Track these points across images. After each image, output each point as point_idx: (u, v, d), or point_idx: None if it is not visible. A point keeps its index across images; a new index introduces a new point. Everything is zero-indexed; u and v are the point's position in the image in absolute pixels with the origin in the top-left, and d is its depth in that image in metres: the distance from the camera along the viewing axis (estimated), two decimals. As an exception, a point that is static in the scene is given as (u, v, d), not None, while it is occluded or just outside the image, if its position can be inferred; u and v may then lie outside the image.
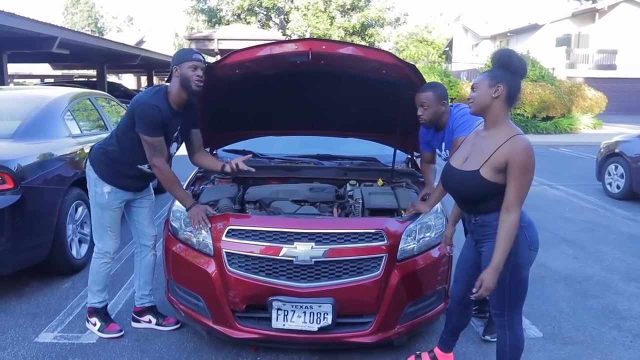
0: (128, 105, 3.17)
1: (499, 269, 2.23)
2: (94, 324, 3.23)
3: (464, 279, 2.64)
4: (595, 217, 6.53)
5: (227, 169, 3.14)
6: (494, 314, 2.48)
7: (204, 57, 2.98)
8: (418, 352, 2.99)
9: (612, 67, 28.75)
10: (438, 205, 3.10)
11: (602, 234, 5.76)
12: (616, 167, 7.65)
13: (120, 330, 3.24)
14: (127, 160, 3.06)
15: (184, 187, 3.32)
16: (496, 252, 2.23)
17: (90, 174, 3.14)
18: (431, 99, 2.99)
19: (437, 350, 2.90)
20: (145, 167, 3.06)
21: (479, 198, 2.35)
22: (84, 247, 4.36)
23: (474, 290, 2.26)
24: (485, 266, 2.40)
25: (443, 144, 3.14)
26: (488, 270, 2.24)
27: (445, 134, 3.10)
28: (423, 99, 3.00)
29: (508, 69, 2.27)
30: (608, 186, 7.82)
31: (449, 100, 3.16)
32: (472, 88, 2.35)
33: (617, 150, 7.68)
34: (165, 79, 3.06)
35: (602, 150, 8.09)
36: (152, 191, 3.39)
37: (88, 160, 3.19)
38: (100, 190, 3.09)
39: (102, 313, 3.26)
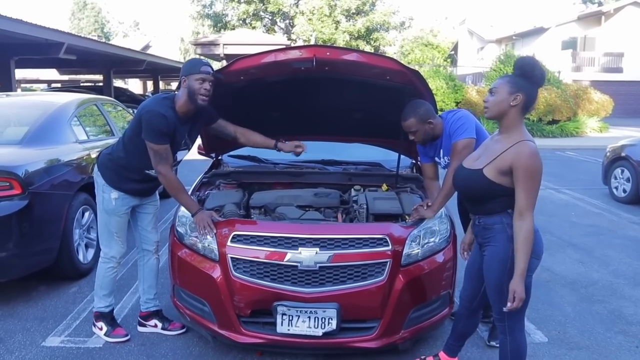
0: (134, 110, 3.19)
1: (524, 275, 2.25)
2: (101, 329, 3.25)
3: (472, 283, 2.65)
4: (601, 222, 6.51)
5: (281, 147, 3.29)
6: (495, 318, 2.49)
7: (213, 69, 2.99)
8: (423, 357, 3.00)
9: (619, 70, 28.64)
10: (442, 210, 3.11)
11: (608, 239, 5.74)
12: (622, 171, 7.62)
13: (127, 335, 3.26)
14: (135, 167, 3.09)
15: (190, 192, 3.35)
16: (517, 259, 2.25)
17: (99, 180, 3.17)
18: (414, 124, 2.99)
19: (442, 355, 2.90)
20: (152, 172, 3.09)
21: (481, 197, 2.39)
22: (91, 252, 4.39)
23: (509, 303, 2.27)
24: (486, 270, 2.42)
25: (441, 151, 3.15)
26: (515, 280, 2.25)
27: (442, 140, 3.10)
28: (407, 126, 3.02)
29: (529, 79, 2.29)
30: (614, 190, 7.79)
31: (455, 105, 3.16)
32: (490, 92, 2.37)
33: (623, 154, 7.65)
34: (172, 84, 3.07)
35: (608, 153, 8.06)
36: (158, 197, 3.42)
37: (96, 166, 3.22)
38: (107, 196, 3.12)
39: (108, 317, 3.28)
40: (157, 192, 3.39)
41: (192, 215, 2.97)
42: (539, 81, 2.30)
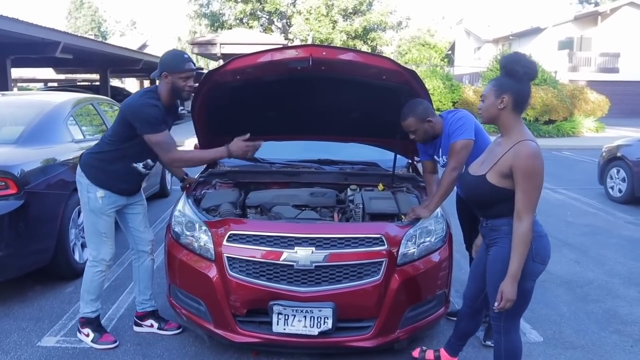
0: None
1: (517, 277, 2.24)
2: (87, 335, 3.17)
3: (475, 283, 2.65)
4: (596, 221, 6.53)
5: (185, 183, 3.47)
6: (492, 317, 2.50)
7: (194, 63, 2.99)
8: (424, 348, 3.02)
9: (615, 70, 28.71)
10: (438, 210, 3.11)
11: (603, 238, 5.76)
12: (618, 171, 7.65)
13: (115, 341, 3.19)
14: (121, 164, 3.05)
15: (186, 192, 3.36)
16: (512, 261, 2.25)
17: (82, 180, 3.10)
18: (413, 124, 3.01)
19: (442, 352, 2.91)
20: (139, 166, 3.07)
21: (487, 202, 2.38)
22: (87, 252, 4.36)
23: (496, 303, 2.28)
24: (488, 269, 2.43)
25: (440, 150, 3.16)
26: (506, 281, 2.25)
27: (441, 140, 3.12)
28: (407, 126, 3.04)
29: (513, 77, 2.28)
30: (610, 190, 7.82)
31: (452, 105, 3.17)
32: (481, 98, 2.40)
33: (619, 154, 7.68)
34: (152, 74, 3.02)
35: (604, 154, 8.09)
36: (144, 196, 3.40)
37: (78, 167, 3.16)
38: (93, 195, 3.06)
39: (95, 323, 3.21)
40: (142, 191, 3.37)
41: (229, 155, 2.93)
42: (524, 76, 2.27)
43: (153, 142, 2.88)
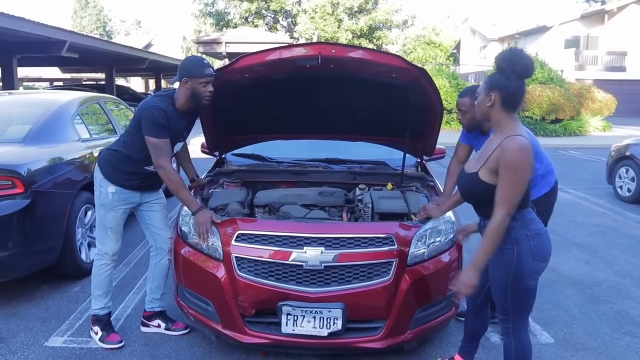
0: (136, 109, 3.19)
1: (479, 267, 2.24)
2: (96, 333, 3.19)
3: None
4: (606, 221, 6.47)
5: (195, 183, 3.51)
6: (499, 319, 2.46)
7: (213, 68, 3.00)
8: (440, 358, 2.99)
9: (622, 68, 28.54)
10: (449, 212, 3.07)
11: (613, 238, 5.70)
12: (627, 170, 7.58)
13: (121, 341, 3.18)
14: (134, 162, 3.07)
15: (193, 191, 3.33)
16: (478, 250, 2.23)
17: (97, 175, 3.16)
18: (468, 105, 2.98)
19: (457, 358, 2.87)
20: (151, 168, 3.07)
21: (480, 200, 2.36)
22: (93, 251, 4.35)
23: (451, 286, 2.28)
24: (491, 270, 2.40)
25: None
26: (467, 267, 2.26)
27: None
28: (460, 104, 3.03)
29: (502, 73, 2.24)
30: (619, 189, 7.75)
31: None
32: (476, 95, 2.39)
33: (627, 153, 7.61)
34: (171, 80, 3.06)
35: (612, 153, 8.02)
36: (163, 194, 3.39)
37: (96, 162, 3.21)
38: (105, 190, 3.10)
39: (104, 322, 3.21)
40: (161, 190, 3.36)
41: (193, 214, 2.93)
42: (512, 74, 2.20)
43: (149, 144, 2.92)
